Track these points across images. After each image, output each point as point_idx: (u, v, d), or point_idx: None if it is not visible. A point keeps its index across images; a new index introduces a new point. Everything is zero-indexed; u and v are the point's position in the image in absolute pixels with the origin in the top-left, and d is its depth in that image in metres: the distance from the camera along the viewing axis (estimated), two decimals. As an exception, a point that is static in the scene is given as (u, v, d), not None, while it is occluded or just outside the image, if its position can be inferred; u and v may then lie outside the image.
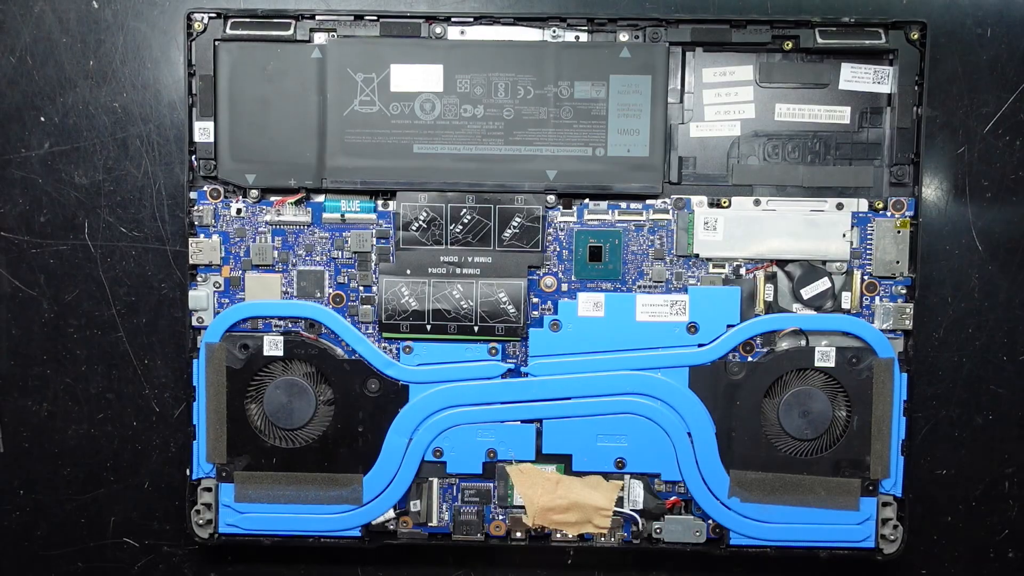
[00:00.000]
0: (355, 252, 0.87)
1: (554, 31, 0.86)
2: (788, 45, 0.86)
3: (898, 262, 0.86)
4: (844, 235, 0.86)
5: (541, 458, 0.88)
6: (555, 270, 0.87)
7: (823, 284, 0.86)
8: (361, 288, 0.88)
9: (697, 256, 0.87)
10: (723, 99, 0.87)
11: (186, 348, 0.88)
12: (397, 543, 0.89)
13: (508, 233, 0.86)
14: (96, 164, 0.91)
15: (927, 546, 0.93)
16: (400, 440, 0.87)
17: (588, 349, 0.86)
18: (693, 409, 0.86)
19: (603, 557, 0.93)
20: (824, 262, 0.87)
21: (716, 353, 0.86)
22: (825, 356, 0.86)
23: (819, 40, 0.85)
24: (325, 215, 0.87)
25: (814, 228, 0.86)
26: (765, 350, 0.87)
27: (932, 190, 0.91)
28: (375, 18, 0.86)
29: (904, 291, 0.87)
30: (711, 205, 0.87)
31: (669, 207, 0.87)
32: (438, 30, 0.85)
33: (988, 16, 0.90)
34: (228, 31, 0.85)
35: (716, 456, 0.87)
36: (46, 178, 0.91)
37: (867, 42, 0.85)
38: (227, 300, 0.88)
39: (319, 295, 0.88)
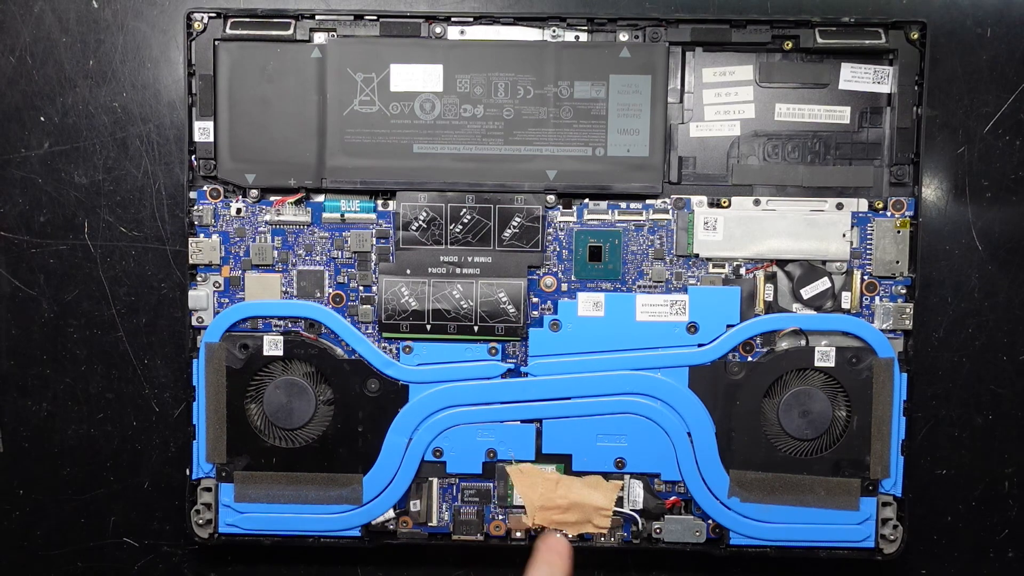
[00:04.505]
0: (355, 252, 0.87)
1: (554, 31, 0.86)
2: (788, 45, 0.86)
3: (898, 262, 0.86)
4: (844, 235, 0.86)
5: (541, 458, 0.88)
6: (555, 270, 0.87)
7: (823, 284, 0.86)
8: (361, 288, 0.88)
9: (697, 256, 0.87)
10: (723, 99, 0.87)
11: (186, 348, 0.88)
12: (397, 543, 0.89)
13: (508, 233, 0.86)
14: (96, 164, 0.91)
15: (927, 546, 0.93)
16: (400, 440, 0.87)
17: (588, 349, 0.86)
18: (693, 409, 0.86)
19: (603, 557, 0.93)
20: (824, 262, 0.87)
21: (716, 353, 0.86)
22: (825, 356, 0.86)
23: (819, 40, 0.85)
24: (325, 215, 0.87)
25: (814, 228, 0.86)
26: (765, 350, 0.87)
27: (932, 190, 0.91)
28: (375, 18, 0.86)
29: (904, 291, 0.87)
30: (711, 205, 0.87)
31: (669, 207, 0.87)
32: (438, 30, 0.85)
33: (988, 16, 0.90)
34: (228, 31, 0.85)
35: (716, 456, 0.87)
36: (46, 178, 0.91)
37: (867, 42, 0.85)
38: (227, 300, 0.88)
39: (319, 295, 0.88)
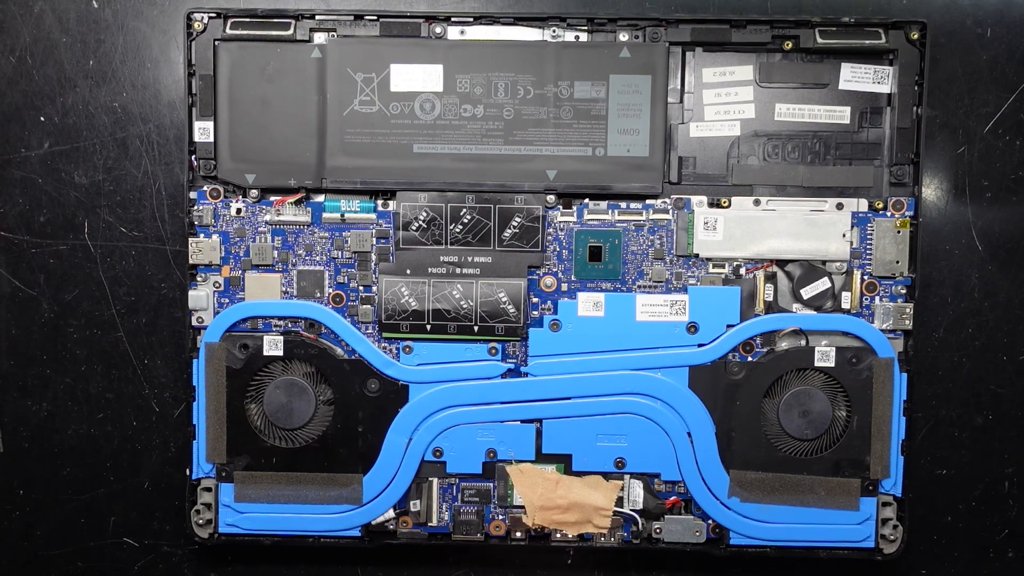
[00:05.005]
0: (355, 252, 0.87)
1: (554, 31, 0.86)
2: (788, 45, 0.86)
3: (898, 262, 0.86)
4: (844, 235, 0.86)
5: (541, 458, 0.88)
6: (555, 270, 0.87)
7: (823, 284, 0.86)
8: (361, 288, 0.88)
9: (697, 256, 0.87)
10: (723, 99, 0.87)
11: (186, 348, 0.88)
12: (397, 543, 0.89)
13: (508, 233, 0.86)
14: (96, 164, 0.91)
15: (927, 546, 0.93)
16: (400, 440, 0.87)
17: (588, 349, 0.86)
18: (693, 409, 0.86)
19: (603, 557, 0.93)
20: (824, 262, 0.87)
21: (716, 353, 0.86)
22: (825, 356, 0.86)
23: (819, 40, 0.85)
24: (325, 215, 0.87)
25: (814, 228, 0.86)
26: (765, 350, 0.87)
27: (932, 190, 0.91)
28: (375, 18, 0.86)
29: (904, 291, 0.87)
30: (711, 205, 0.87)
31: (669, 207, 0.87)
32: (438, 30, 0.85)
33: (988, 16, 0.90)
34: (228, 31, 0.85)
35: (716, 456, 0.87)
36: (46, 178, 0.91)
37: (867, 42, 0.85)
38: (227, 300, 0.88)
39: (319, 295, 0.88)
